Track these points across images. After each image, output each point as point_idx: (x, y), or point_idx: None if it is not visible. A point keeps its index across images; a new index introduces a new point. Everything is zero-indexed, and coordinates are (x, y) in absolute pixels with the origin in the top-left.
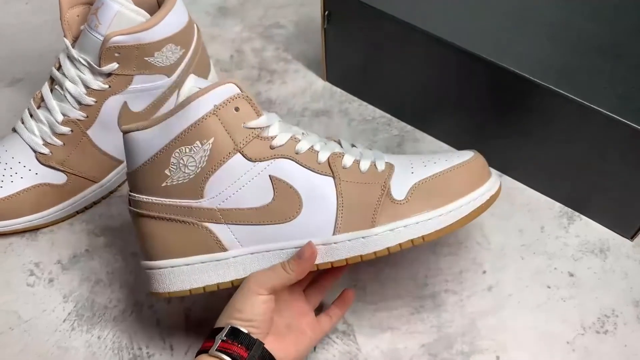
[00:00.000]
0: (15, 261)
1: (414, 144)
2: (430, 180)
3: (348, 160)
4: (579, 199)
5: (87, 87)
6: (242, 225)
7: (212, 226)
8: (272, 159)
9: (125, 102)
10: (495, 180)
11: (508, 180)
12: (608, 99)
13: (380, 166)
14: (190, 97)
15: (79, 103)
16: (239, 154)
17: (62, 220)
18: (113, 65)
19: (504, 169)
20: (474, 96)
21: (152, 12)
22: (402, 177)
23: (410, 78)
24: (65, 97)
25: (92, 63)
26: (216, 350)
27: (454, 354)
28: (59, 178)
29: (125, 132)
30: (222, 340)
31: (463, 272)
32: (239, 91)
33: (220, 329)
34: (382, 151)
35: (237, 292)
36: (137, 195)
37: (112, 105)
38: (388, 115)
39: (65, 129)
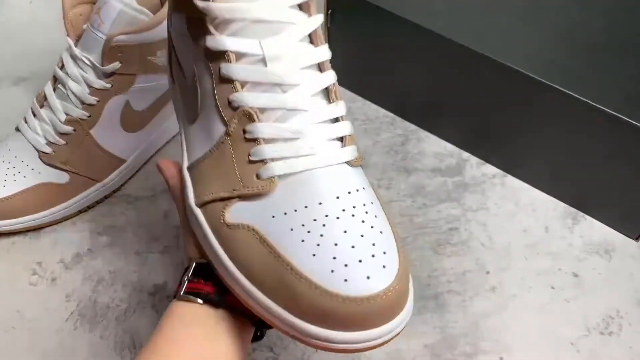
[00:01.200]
0: (18, 260)
1: (418, 143)
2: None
3: (261, 131)
4: (583, 199)
5: (90, 86)
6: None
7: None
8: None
9: (127, 101)
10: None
11: (512, 180)
12: (613, 99)
13: (267, 173)
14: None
15: (82, 102)
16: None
17: (65, 219)
18: (116, 65)
19: (508, 169)
20: (478, 95)
21: (154, 11)
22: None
23: (414, 77)
24: (68, 96)
25: (95, 62)
26: (183, 293)
27: (457, 354)
28: (61, 177)
29: None
30: (189, 280)
31: (466, 272)
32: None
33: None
34: (386, 150)
35: None
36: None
37: (115, 104)
38: (392, 115)
39: (68, 128)
